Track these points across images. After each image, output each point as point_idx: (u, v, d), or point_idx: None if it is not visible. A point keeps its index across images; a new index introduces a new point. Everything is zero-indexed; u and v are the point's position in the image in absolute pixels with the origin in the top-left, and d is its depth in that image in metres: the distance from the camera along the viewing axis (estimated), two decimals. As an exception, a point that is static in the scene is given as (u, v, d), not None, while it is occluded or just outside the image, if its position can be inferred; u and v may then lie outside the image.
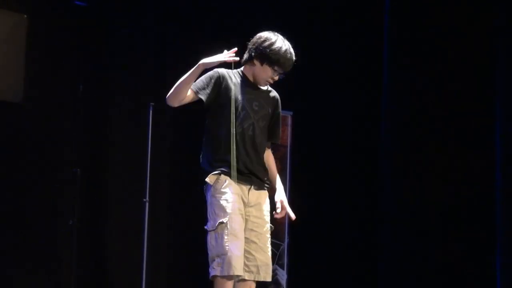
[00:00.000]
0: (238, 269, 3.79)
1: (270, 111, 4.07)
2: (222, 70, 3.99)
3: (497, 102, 6.28)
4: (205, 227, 3.88)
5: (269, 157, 4.14)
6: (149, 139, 5.91)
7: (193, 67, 3.89)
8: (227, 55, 3.84)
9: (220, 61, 3.84)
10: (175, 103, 3.95)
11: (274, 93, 4.13)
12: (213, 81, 3.93)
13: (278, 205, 4.00)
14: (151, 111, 5.93)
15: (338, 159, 7.21)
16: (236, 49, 3.85)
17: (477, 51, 6.48)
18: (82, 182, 5.74)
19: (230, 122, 3.89)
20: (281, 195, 4.04)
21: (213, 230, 3.82)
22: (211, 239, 3.84)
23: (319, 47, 7.15)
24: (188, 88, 3.89)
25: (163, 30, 6.47)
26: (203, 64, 3.86)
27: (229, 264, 3.76)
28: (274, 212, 4.01)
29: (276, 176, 4.14)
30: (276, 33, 4.01)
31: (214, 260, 3.81)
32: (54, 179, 5.80)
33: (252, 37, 4.03)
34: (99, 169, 6.09)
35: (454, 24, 6.56)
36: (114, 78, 6.22)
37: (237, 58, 3.86)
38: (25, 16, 5.56)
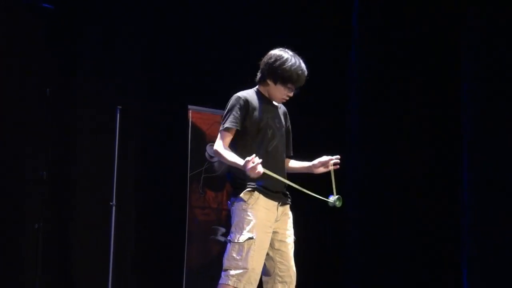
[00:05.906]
0: (254, 286, 3.87)
1: (285, 126, 4.15)
2: (244, 94, 4.01)
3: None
4: (228, 238, 3.91)
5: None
6: (116, 143, 5.90)
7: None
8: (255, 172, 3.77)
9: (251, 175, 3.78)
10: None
11: (283, 107, 4.20)
12: (240, 107, 3.95)
13: (320, 160, 4.06)
14: (118, 114, 5.93)
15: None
16: (259, 160, 3.77)
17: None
18: (48, 185, 5.72)
19: (261, 141, 3.96)
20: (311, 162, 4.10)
21: (238, 243, 3.85)
22: (232, 250, 3.86)
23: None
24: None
25: (131, 33, 6.46)
26: (246, 169, 3.77)
27: (248, 280, 3.82)
28: (331, 166, 4.03)
29: (294, 163, 4.18)
30: (286, 50, 4.06)
31: (229, 269, 3.85)
32: (20, 182, 5.77)
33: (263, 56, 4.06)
34: (66, 172, 6.07)
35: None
36: (82, 81, 6.20)
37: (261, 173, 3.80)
38: (-9, 18, 5.54)
